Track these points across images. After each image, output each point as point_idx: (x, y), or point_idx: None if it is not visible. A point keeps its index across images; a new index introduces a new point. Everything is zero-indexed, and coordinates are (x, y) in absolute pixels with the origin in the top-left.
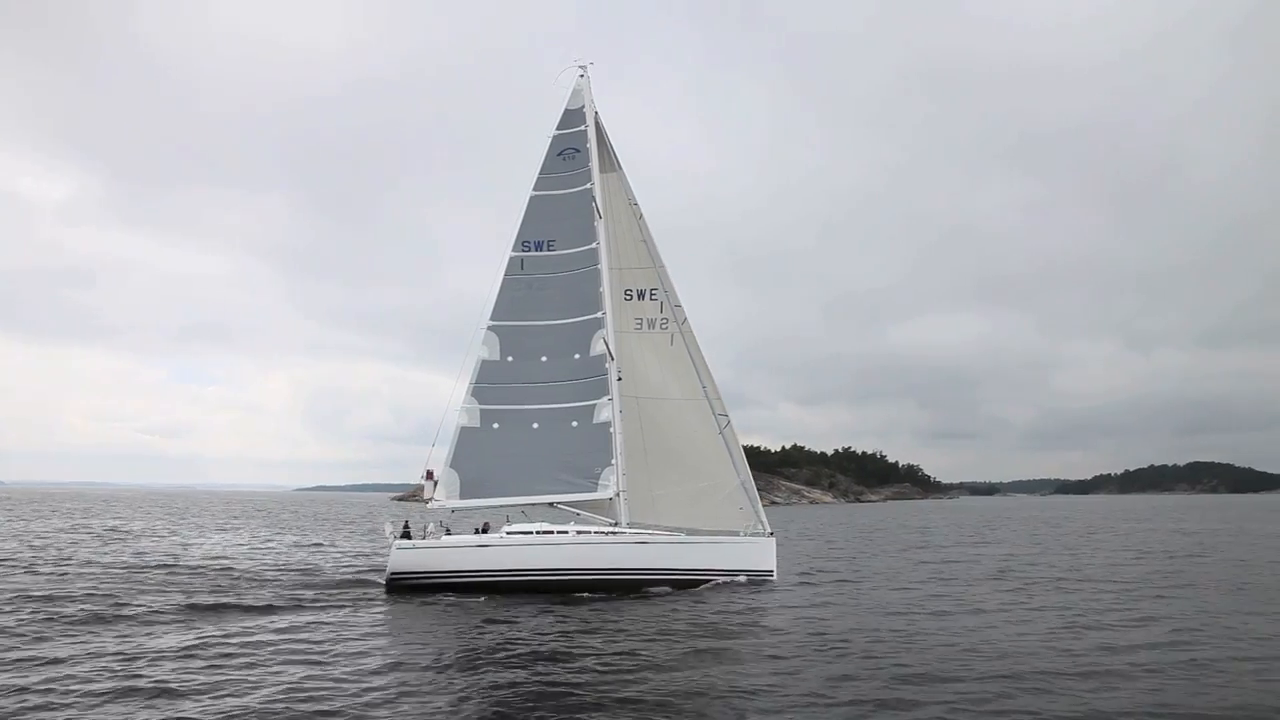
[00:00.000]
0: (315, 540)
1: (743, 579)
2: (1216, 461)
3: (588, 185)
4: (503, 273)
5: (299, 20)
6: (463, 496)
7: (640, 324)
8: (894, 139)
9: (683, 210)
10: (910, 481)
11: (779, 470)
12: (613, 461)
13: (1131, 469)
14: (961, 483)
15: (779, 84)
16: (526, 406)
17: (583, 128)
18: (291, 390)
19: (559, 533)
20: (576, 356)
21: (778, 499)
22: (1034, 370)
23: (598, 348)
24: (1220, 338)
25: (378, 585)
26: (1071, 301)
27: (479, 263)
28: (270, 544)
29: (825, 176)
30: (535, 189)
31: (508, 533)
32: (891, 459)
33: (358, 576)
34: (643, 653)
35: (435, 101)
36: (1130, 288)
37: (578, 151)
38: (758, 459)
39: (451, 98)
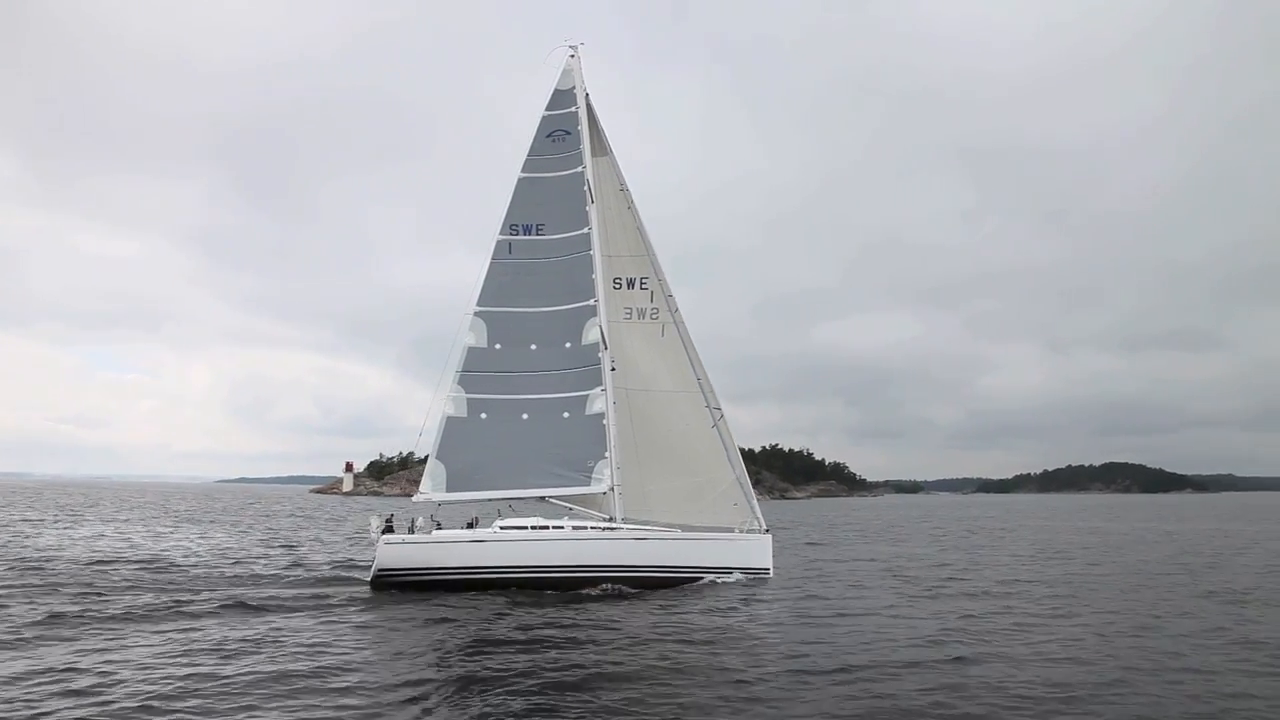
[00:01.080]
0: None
1: (740, 577)
2: (1130, 462)
3: (579, 168)
4: (490, 256)
5: None
6: (449, 489)
7: (630, 313)
8: (828, 144)
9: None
10: (836, 479)
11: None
12: (606, 455)
13: (1050, 469)
14: (887, 481)
15: (713, 84)
16: (516, 396)
17: (573, 109)
18: (214, 380)
19: (554, 528)
20: (568, 345)
21: None
22: (959, 372)
23: (590, 336)
24: (1135, 343)
25: (359, 583)
26: (996, 306)
27: (409, 255)
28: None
29: (760, 178)
30: (524, 170)
31: (501, 528)
32: (819, 457)
33: (335, 574)
34: (639, 654)
35: (367, 88)
36: (1052, 293)
37: (568, 134)
38: None
39: (383, 88)
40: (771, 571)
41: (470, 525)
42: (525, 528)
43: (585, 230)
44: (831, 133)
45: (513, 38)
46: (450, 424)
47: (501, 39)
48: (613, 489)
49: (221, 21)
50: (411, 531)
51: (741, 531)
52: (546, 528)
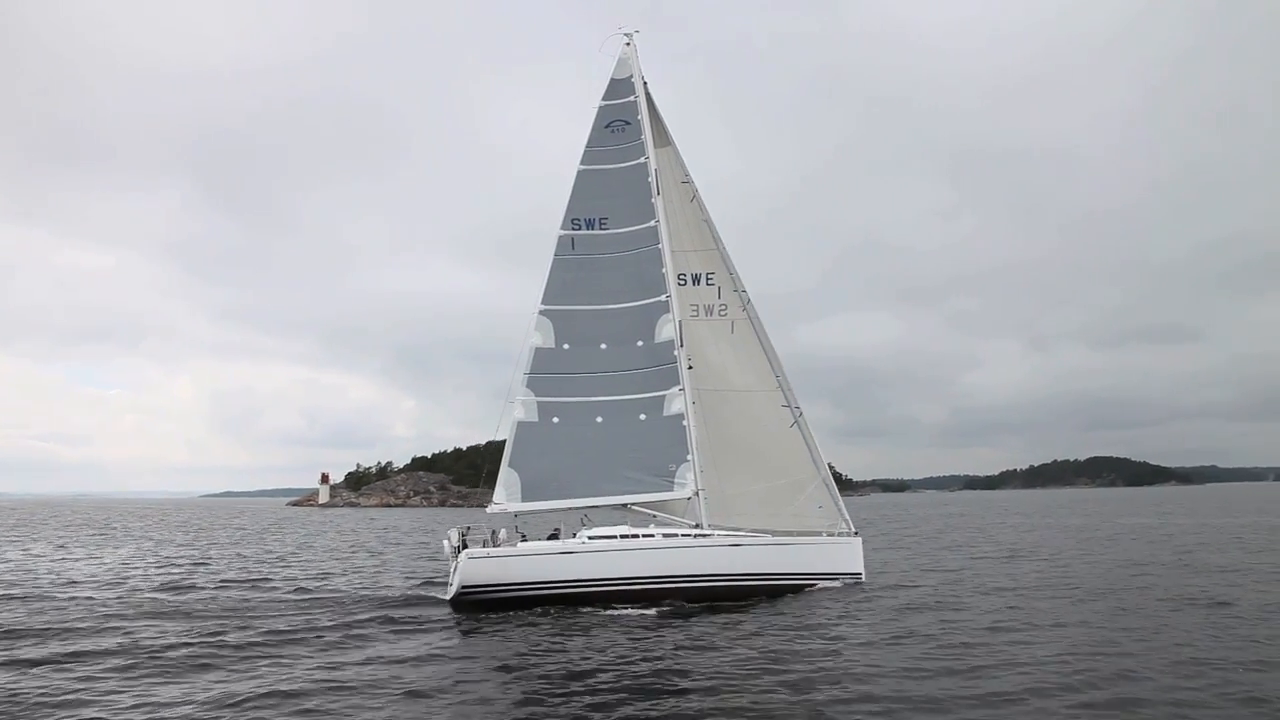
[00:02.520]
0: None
1: (839, 583)
2: (1114, 456)
3: (641, 159)
4: (552, 252)
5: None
6: (525, 499)
7: (697, 310)
8: (803, 147)
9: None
10: None
11: None
12: (688, 457)
13: (1036, 464)
14: (874, 480)
15: (685, 87)
16: (588, 399)
17: (632, 98)
18: (196, 393)
19: (644, 536)
20: (639, 343)
21: None
22: (942, 370)
23: (664, 333)
24: (1116, 338)
25: (433, 602)
26: (977, 305)
27: (388, 264)
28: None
29: (735, 182)
30: (583, 163)
31: (590, 537)
32: None
33: (407, 594)
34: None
35: (340, 94)
36: (1033, 291)
37: (628, 124)
38: None
39: (356, 94)
40: (864, 576)
41: (553, 536)
42: (615, 536)
43: (652, 223)
44: (806, 135)
45: (487, 43)
46: (521, 429)
47: (477, 44)
48: (698, 493)
49: (191, 27)
50: (493, 544)
51: (829, 535)
52: (636, 536)
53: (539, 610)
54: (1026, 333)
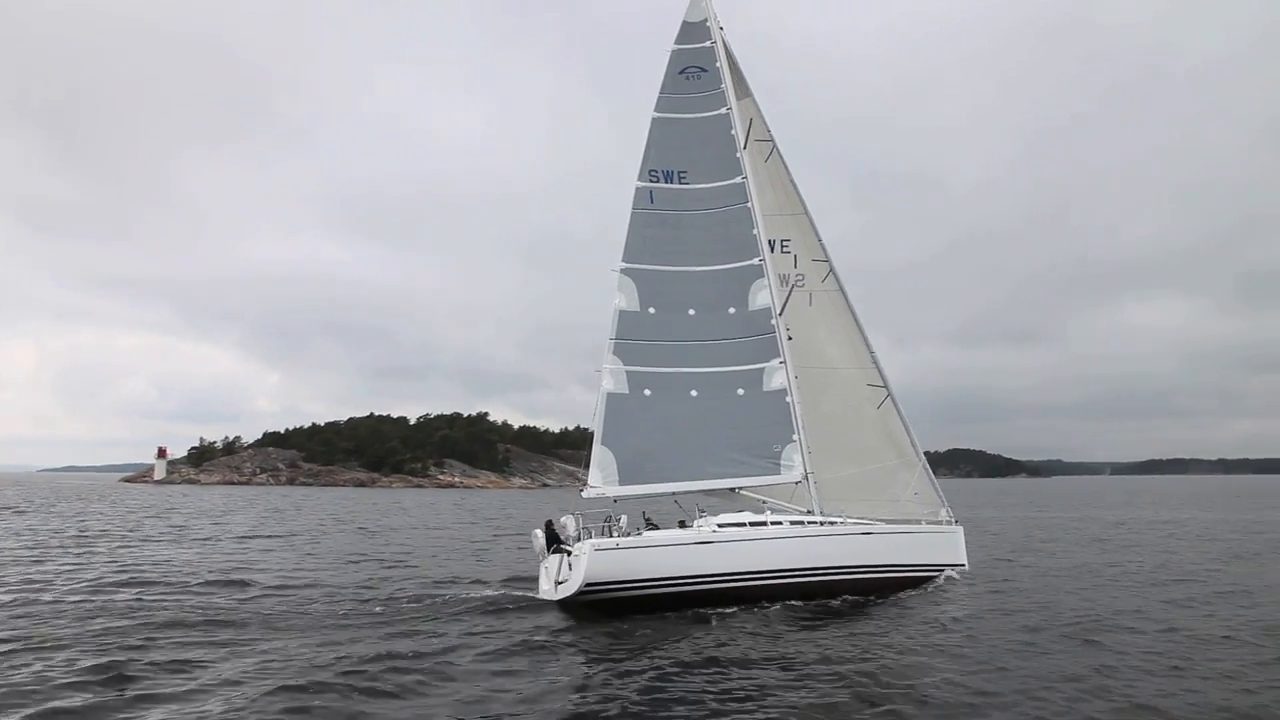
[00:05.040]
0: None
1: (957, 575)
2: (971, 449)
3: (723, 109)
4: (630, 205)
5: None
6: (623, 482)
7: None
8: None
9: (471, 185)
10: None
11: (555, 451)
12: (794, 437)
13: None
14: None
15: (562, 71)
16: (680, 370)
17: (708, 44)
18: (41, 360)
19: (773, 524)
20: (731, 310)
21: (550, 481)
22: None
23: (759, 300)
24: (976, 337)
25: (526, 602)
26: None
27: (252, 232)
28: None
29: (616, 168)
30: (657, 109)
31: (719, 525)
32: None
33: (492, 595)
34: None
35: (204, 52)
36: (897, 289)
37: (704, 71)
38: (534, 440)
39: (221, 52)
40: (967, 566)
41: (649, 524)
42: (744, 524)
43: (739, 179)
44: None
45: (365, 11)
46: (612, 402)
47: (360, 14)
48: (807, 477)
49: None
50: (609, 533)
51: (928, 523)
52: (764, 524)
53: (661, 610)
54: (891, 331)
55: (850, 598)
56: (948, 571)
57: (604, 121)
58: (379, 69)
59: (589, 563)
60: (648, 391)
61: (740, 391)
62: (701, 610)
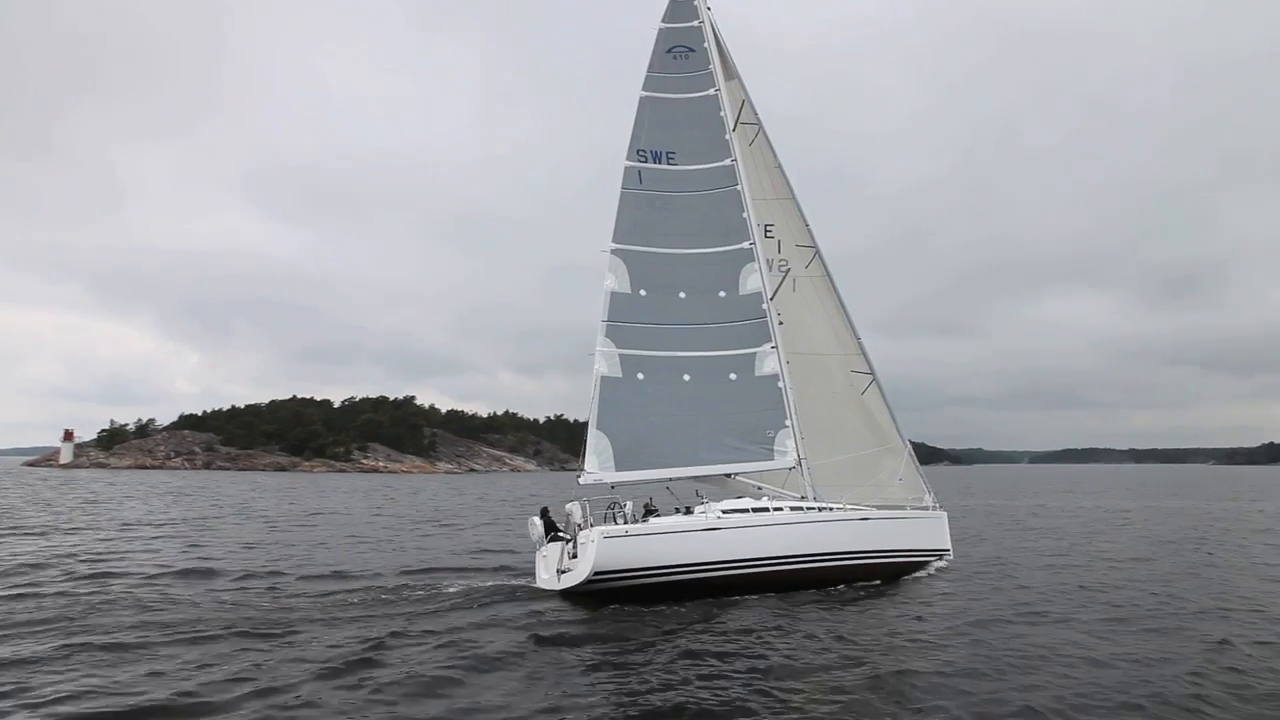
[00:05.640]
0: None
1: (944, 561)
2: None
3: (711, 90)
4: (620, 185)
5: None
6: (619, 468)
7: None
8: (612, 121)
9: (401, 164)
10: None
11: (482, 436)
12: (786, 423)
13: None
14: None
15: (489, 54)
16: (672, 353)
17: (696, 23)
18: None
19: (775, 510)
20: (722, 294)
21: (477, 466)
22: None
23: (750, 284)
24: (904, 329)
25: (523, 592)
26: None
27: (170, 206)
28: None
29: (546, 150)
30: (645, 88)
31: (724, 512)
32: None
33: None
34: None
35: (127, 10)
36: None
37: (692, 50)
38: (462, 424)
39: (132, 10)
40: (951, 552)
41: (649, 510)
42: (747, 510)
43: (728, 161)
44: (609, 114)
45: None
46: (606, 386)
47: None
48: (801, 462)
49: None
50: (614, 520)
51: (913, 509)
52: (766, 510)
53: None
54: None
55: (852, 584)
56: (940, 559)
57: (535, 102)
58: (311, 42)
59: (598, 550)
60: (641, 375)
61: (732, 376)
62: (707, 599)
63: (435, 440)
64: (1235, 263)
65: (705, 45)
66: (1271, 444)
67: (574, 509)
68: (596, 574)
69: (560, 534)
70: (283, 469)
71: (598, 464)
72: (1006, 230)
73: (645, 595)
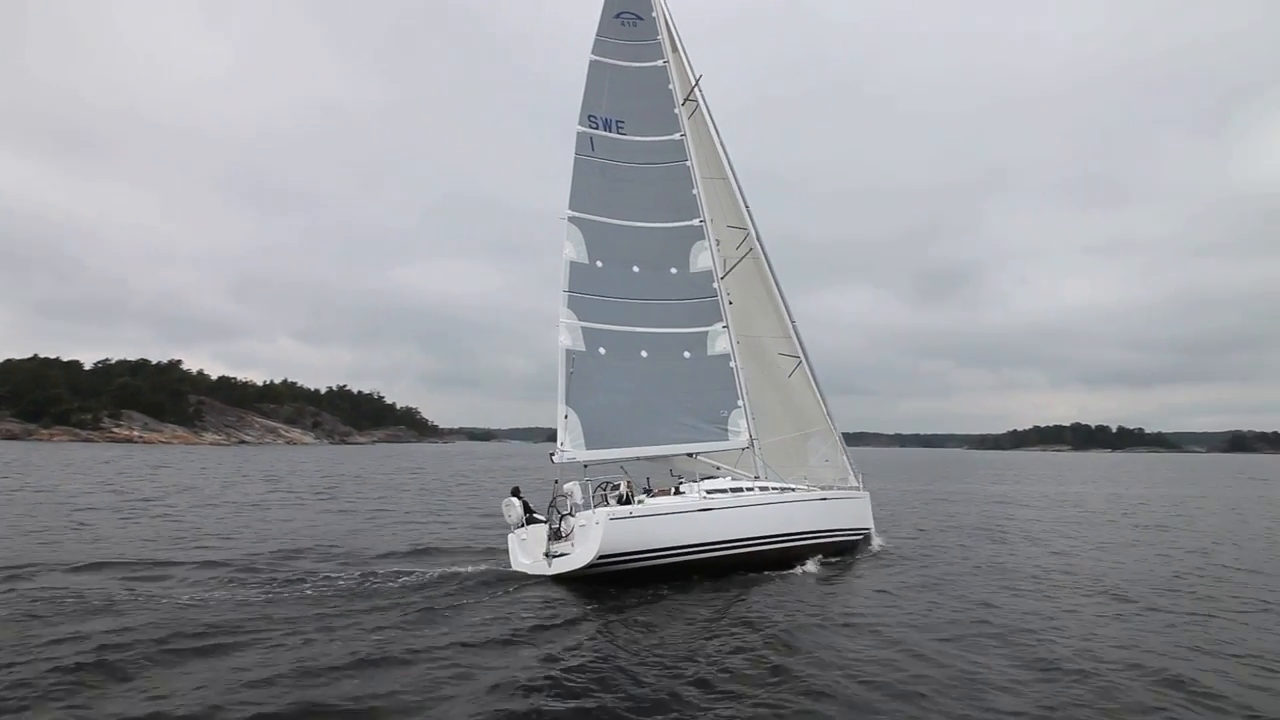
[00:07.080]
0: None
1: (869, 540)
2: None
3: (659, 61)
4: (573, 150)
5: None
6: (589, 446)
7: None
8: (415, 86)
9: (183, 116)
10: (407, 424)
11: (256, 406)
12: (739, 403)
13: None
14: (461, 428)
15: (294, 9)
16: (630, 328)
17: None
18: None
19: (747, 490)
20: (673, 270)
21: (248, 438)
22: (534, 325)
23: (701, 262)
24: None
25: (502, 576)
26: None
27: None
28: None
29: (338, 112)
30: (594, 52)
31: (708, 492)
32: (390, 401)
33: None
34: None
35: None
36: None
37: (640, 19)
38: (235, 393)
39: None
40: (874, 530)
41: (677, 490)
42: (726, 491)
43: (677, 136)
44: (419, 76)
45: None
46: (571, 360)
47: None
48: (753, 442)
49: None
50: (607, 501)
51: (839, 488)
52: (741, 490)
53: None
54: None
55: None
56: (864, 537)
57: (330, 66)
58: None
59: (605, 533)
60: (602, 350)
61: (686, 355)
62: (697, 577)
63: (202, 408)
64: (989, 266)
65: (654, 15)
66: (1015, 431)
67: (573, 489)
68: (602, 556)
69: (536, 515)
70: (14, 437)
71: (570, 442)
72: (780, 229)
73: (642, 577)
